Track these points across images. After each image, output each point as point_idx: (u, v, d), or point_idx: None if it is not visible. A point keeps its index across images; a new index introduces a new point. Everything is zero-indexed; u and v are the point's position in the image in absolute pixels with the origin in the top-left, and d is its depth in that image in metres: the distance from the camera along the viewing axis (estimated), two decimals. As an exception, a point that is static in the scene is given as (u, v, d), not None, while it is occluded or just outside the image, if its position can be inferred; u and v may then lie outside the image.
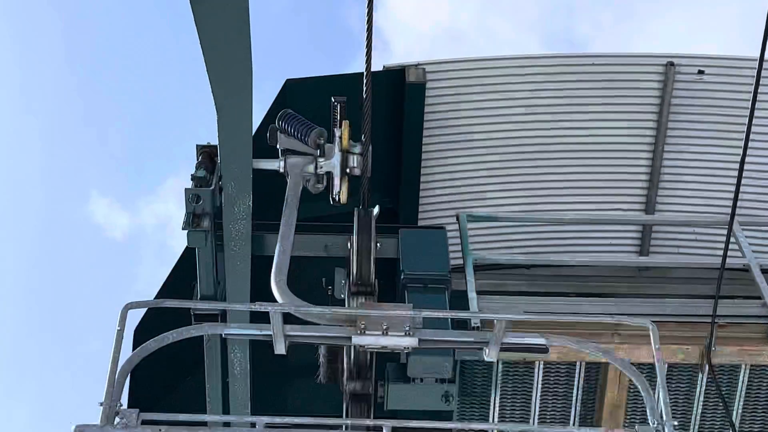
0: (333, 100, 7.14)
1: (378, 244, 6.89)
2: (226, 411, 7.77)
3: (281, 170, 7.08)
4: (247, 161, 6.61)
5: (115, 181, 23.29)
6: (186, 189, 6.93)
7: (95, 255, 23.38)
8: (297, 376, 9.34)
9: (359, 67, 7.02)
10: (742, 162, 6.25)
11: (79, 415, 5.63)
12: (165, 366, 8.96)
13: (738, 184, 6.33)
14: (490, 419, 7.43)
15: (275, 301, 6.23)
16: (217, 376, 7.65)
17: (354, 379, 6.94)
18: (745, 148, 6.30)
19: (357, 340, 5.75)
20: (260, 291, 7.48)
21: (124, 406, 5.64)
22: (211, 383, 7.64)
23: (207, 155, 7.14)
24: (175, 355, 8.88)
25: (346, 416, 7.05)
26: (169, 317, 8.38)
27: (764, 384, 7.34)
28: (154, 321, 8.56)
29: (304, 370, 7.99)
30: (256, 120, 7.06)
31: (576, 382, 7.31)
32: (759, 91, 6.30)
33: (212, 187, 6.97)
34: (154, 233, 23.79)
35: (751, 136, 6.37)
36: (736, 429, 7.42)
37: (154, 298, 8.50)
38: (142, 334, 8.43)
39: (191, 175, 7.06)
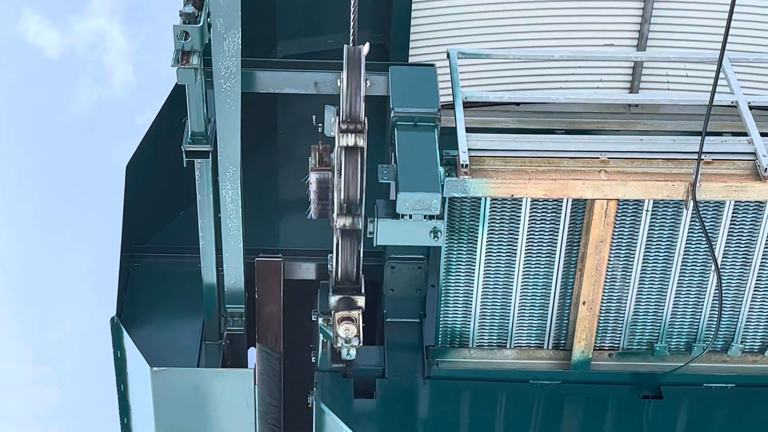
0: None
1: (368, 82, 6.87)
2: (218, 246, 7.89)
3: None
4: (236, -3, 6.56)
5: None
6: (174, 26, 6.88)
7: (33, 75, 22.61)
8: (288, 213, 9.46)
9: None
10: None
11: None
12: (157, 202, 9.08)
13: (729, 19, 6.29)
14: (478, 255, 7.55)
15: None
16: (210, 212, 7.74)
17: (344, 215, 7.03)
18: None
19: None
20: (248, 128, 7.52)
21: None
22: (204, 219, 7.73)
23: (194, -9, 7.06)
24: (167, 191, 9.00)
25: (337, 251, 7.16)
26: (161, 155, 8.47)
27: (747, 220, 7.44)
28: (145, 157, 8.64)
29: (294, 206, 8.09)
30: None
31: (562, 218, 7.41)
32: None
33: (201, 24, 6.92)
34: (87, 52, 23.04)
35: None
36: (719, 265, 7.55)
37: (145, 136, 8.56)
38: (133, 170, 8.52)
39: (179, 11, 6.99)
